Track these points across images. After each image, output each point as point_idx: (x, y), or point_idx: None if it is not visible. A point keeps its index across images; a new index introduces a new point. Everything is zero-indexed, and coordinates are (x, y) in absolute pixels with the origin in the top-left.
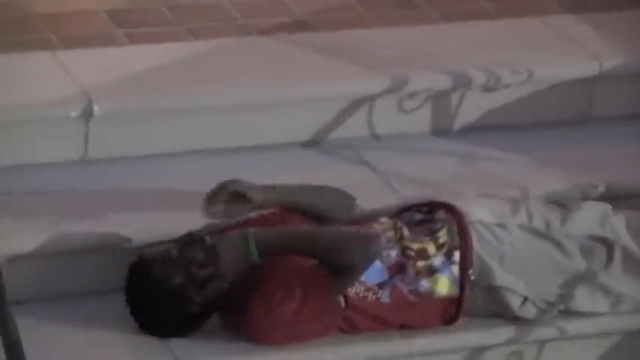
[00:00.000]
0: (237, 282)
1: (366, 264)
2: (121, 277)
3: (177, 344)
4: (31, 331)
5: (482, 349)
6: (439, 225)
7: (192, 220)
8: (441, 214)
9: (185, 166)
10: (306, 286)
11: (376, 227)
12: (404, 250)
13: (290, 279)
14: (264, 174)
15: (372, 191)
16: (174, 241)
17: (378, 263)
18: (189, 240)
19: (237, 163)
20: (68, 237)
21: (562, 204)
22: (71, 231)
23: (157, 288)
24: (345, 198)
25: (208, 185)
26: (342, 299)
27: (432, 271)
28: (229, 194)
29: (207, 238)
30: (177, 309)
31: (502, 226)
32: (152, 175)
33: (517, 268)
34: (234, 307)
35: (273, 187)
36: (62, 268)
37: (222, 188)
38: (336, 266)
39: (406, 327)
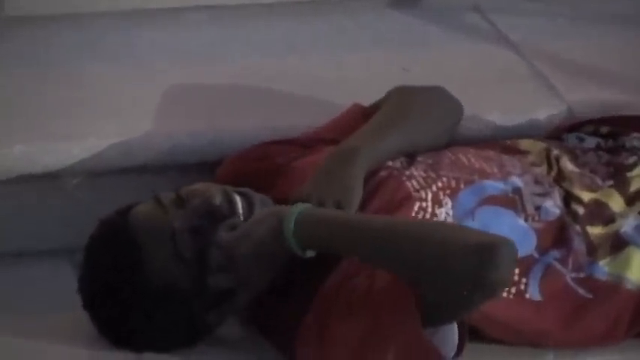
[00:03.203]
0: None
1: (486, 294)
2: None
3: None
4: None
5: None
6: (632, 159)
7: (215, 131)
8: (635, 138)
9: (202, 33)
10: (379, 309)
11: (512, 159)
12: (566, 201)
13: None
14: (320, 52)
15: (510, 89)
16: (177, 202)
17: (521, 220)
18: (205, 208)
19: (268, 34)
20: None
21: None
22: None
23: (142, 283)
24: (447, 105)
25: (237, 67)
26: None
27: (618, 244)
28: None
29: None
30: (173, 320)
31: None
32: (151, 46)
33: None
34: (275, 317)
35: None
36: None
37: None
38: (431, 290)
39: (562, 344)
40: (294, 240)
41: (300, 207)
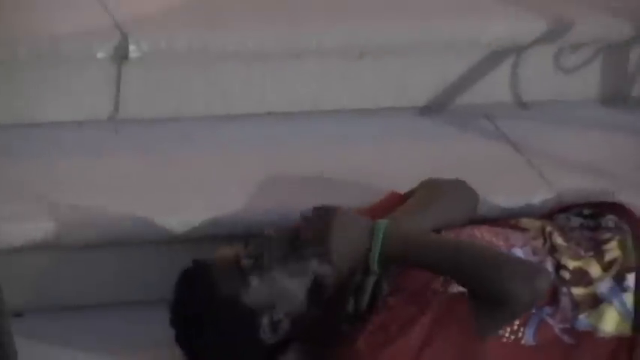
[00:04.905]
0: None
1: (530, 300)
2: (155, 284)
3: None
4: (30, 347)
5: None
6: (608, 235)
7: (263, 211)
8: (610, 219)
9: (254, 134)
10: (437, 317)
11: (515, 234)
12: (556, 268)
13: (416, 302)
14: (362, 149)
15: (512, 179)
16: (245, 243)
17: None
18: (266, 245)
19: (325, 133)
20: (88, 225)
21: None
22: (92, 217)
23: (220, 309)
24: (468, 194)
25: (287, 163)
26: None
27: (595, 302)
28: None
29: (297, 241)
30: (247, 339)
31: None
32: (207, 145)
33: None
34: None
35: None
36: (75, 268)
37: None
38: (487, 295)
39: None
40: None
41: (383, 223)
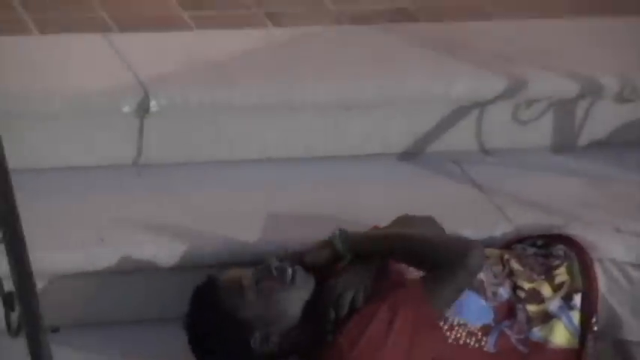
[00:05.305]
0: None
1: (466, 268)
2: (173, 304)
3: None
4: (65, 358)
5: None
6: (557, 262)
7: (264, 242)
8: (560, 248)
9: (256, 176)
10: (397, 300)
11: None
12: (514, 289)
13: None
14: (349, 190)
15: (477, 216)
16: (255, 269)
17: (482, 301)
18: (267, 271)
19: (318, 176)
20: (115, 254)
21: None
22: (119, 247)
23: (221, 319)
24: (434, 227)
25: (285, 202)
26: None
27: (546, 318)
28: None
29: (290, 272)
30: (241, 348)
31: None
32: (217, 186)
33: None
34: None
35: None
36: (105, 290)
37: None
38: (435, 270)
39: None
40: (342, 244)
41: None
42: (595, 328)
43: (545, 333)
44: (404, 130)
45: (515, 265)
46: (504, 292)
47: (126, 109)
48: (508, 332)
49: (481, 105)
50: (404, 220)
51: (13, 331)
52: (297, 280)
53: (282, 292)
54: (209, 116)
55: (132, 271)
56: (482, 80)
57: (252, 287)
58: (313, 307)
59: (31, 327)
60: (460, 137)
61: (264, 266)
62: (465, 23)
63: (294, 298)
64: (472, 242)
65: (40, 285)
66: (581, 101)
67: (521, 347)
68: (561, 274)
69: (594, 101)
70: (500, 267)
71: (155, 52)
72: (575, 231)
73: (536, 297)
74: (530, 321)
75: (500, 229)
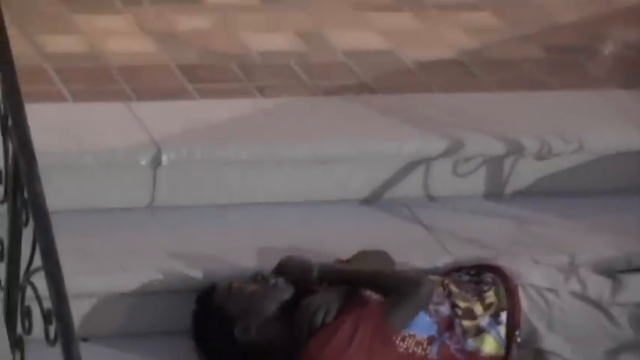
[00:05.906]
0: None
1: (420, 296)
2: (181, 319)
3: None
4: None
5: None
6: (487, 287)
7: (254, 268)
8: (489, 276)
9: (248, 217)
10: (360, 317)
11: None
12: (452, 307)
13: (349, 312)
14: (321, 228)
15: (424, 250)
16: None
17: (427, 317)
18: (254, 278)
19: (297, 216)
20: (134, 279)
21: (611, 273)
22: (136, 273)
23: (213, 313)
24: (386, 260)
25: (272, 237)
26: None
27: (478, 331)
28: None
29: (273, 280)
30: (227, 336)
31: (553, 291)
32: (217, 224)
33: (565, 333)
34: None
35: (331, 265)
36: (126, 308)
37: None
38: (393, 296)
39: None
40: (318, 274)
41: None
42: (518, 340)
43: (478, 344)
44: (365, 181)
45: (453, 288)
46: (445, 309)
47: (143, 162)
48: (448, 342)
49: (427, 160)
50: (362, 255)
51: (50, 342)
52: (278, 285)
53: (262, 290)
54: (210, 168)
55: (148, 293)
56: (428, 141)
57: (239, 287)
58: (289, 311)
59: (65, 338)
60: (410, 186)
61: (253, 275)
62: (414, 95)
63: (272, 296)
64: (422, 276)
65: (72, 304)
66: (507, 158)
67: (458, 355)
68: (490, 296)
69: (518, 158)
70: (441, 289)
71: (166, 117)
72: (502, 262)
73: (470, 314)
74: (465, 333)
75: (442, 260)
